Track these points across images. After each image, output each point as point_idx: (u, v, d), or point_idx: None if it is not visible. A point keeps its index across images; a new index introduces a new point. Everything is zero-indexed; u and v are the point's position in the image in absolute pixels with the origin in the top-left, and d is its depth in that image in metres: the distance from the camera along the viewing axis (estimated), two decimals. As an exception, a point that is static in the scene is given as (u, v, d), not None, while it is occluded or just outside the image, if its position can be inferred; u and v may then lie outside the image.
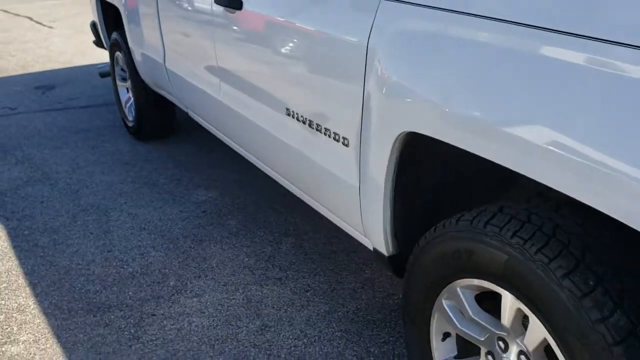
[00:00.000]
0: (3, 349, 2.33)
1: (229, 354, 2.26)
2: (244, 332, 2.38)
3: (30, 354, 2.30)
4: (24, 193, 3.71)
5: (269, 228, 3.15)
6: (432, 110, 1.54)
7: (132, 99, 4.40)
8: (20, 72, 7.20)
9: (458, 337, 1.71)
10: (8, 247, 3.08)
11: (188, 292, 2.65)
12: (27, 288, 2.72)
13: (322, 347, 2.27)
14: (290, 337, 2.34)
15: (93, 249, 3.03)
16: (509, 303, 1.45)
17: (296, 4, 2.12)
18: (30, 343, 2.36)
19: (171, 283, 2.72)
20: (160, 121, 4.29)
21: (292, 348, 2.28)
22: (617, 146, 1.11)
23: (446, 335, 1.73)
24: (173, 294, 2.64)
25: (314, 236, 3.04)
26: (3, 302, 2.63)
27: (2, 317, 2.53)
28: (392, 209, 1.82)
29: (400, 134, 1.65)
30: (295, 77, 2.16)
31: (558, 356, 1.34)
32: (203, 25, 2.80)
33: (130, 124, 4.54)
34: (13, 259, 2.97)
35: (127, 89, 4.54)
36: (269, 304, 2.54)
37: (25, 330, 2.43)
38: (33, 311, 2.56)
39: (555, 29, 1.25)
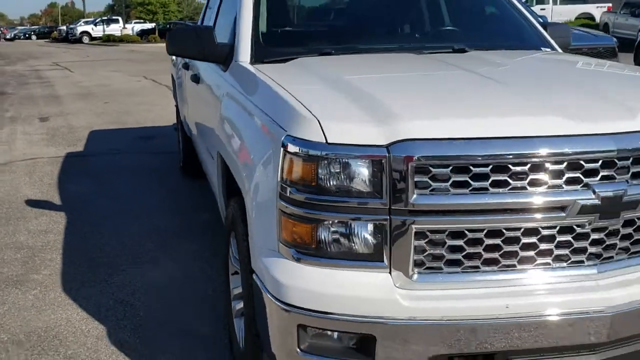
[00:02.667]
0: (30, 275, 3.83)
1: (156, 291, 3.57)
2: (173, 284, 3.68)
3: (44, 280, 3.77)
4: (91, 202, 5.35)
5: (229, 235, 4.45)
6: (220, 138, 2.84)
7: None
8: (135, 125, 9.26)
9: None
10: (62, 228, 4.67)
11: (152, 263, 4.01)
12: (60, 250, 4.24)
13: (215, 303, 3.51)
14: (200, 290, 3.60)
15: (111, 236, 4.52)
16: (233, 239, 2.65)
17: (212, 81, 3.52)
18: (46, 275, 3.84)
19: (146, 258, 4.10)
20: (196, 162, 5.81)
21: (195, 296, 3.53)
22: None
23: (236, 272, 2.93)
24: (143, 263, 4.01)
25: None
26: (42, 254, 4.17)
27: (39, 261, 4.06)
28: (225, 199, 3.08)
29: (217, 151, 2.95)
30: (205, 120, 3.53)
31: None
32: (190, 92, 4.29)
33: (181, 164, 6.13)
34: (61, 234, 4.53)
35: (184, 138, 6.14)
36: (197, 275, 3.82)
37: (47, 269, 3.92)
38: (57, 261, 4.05)
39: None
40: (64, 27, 56.51)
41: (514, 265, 1.94)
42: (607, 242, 1.98)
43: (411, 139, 1.83)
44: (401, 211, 1.85)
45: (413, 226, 1.86)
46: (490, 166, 1.84)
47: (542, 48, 3.33)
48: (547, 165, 1.86)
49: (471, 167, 1.84)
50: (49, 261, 4.06)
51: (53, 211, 5.10)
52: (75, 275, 3.84)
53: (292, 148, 1.93)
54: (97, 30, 48.64)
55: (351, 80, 2.34)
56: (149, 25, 48.74)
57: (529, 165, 1.85)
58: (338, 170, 1.87)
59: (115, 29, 47.49)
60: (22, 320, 3.27)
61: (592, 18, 28.06)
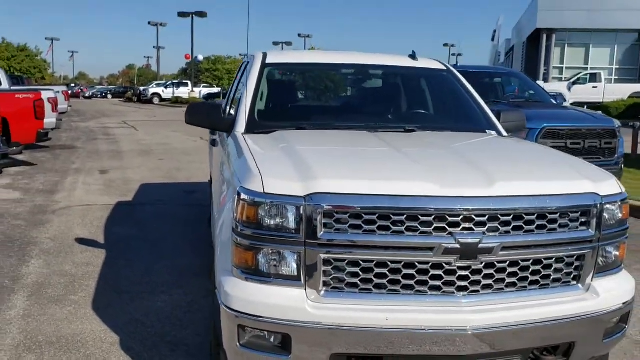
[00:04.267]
0: (68, 296, 4.69)
1: (165, 314, 4.35)
2: (181, 310, 4.46)
3: (79, 300, 4.62)
4: (129, 243, 6.26)
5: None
6: (215, 190, 3.65)
7: (211, 199, 6.88)
8: (183, 181, 10.30)
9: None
10: (101, 262, 5.56)
11: (167, 294, 4.80)
12: (96, 278, 5.11)
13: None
14: (201, 315, 4.36)
15: (140, 270, 5.36)
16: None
17: (220, 145, 4.38)
18: (81, 297, 4.68)
19: (163, 289, 4.91)
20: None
21: (196, 319, 4.29)
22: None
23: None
24: (160, 293, 4.80)
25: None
26: (81, 281, 5.04)
27: (77, 286, 4.92)
28: (220, 239, 3.87)
29: (212, 201, 3.76)
30: (214, 176, 4.37)
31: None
32: (211, 153, 5.18)
33: (209, 216, 7.00)
34: (99, 267, 5.42)
35: (214, 193, 7.06)
36: (203, 304, 4.59)
37: (83, 292, 4.78)
38: (92, 287, 4.91)
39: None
40: (137, 88, 60.32)
41: (398, 290, 2.63)
42: (472, 279, 2.65)
43: (321, 193, 2.59)
44: (313, 244, 2.59)
45: (321, 256, 2.59)
46: (377, 214, 2.57)
47: (487, 131, 4.04)
48: (420, 217, 2.57)
49: (363, 215, 2.57)
50: (85, 286, 4.93)
51: (96, 248, 6.02)
52: (104, 298, 4.68)
53: (243, 196, 2.72)
54: (167, 93, 51.73)
55: (301, 149, 3.12)
56: (215, 90, 51.49)
57: (405, 216, 2.57)
58: (271, 213, 2.64)
59: (183, 92, 50.44)
60: (56, 328, 4.10)
61: (644, 97, 28.20)
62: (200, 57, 57.30)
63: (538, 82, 32.29)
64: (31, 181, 10.05)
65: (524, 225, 2.67)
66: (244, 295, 2.68)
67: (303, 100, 4.71)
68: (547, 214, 2.70)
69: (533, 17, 38.06)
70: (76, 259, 5.67)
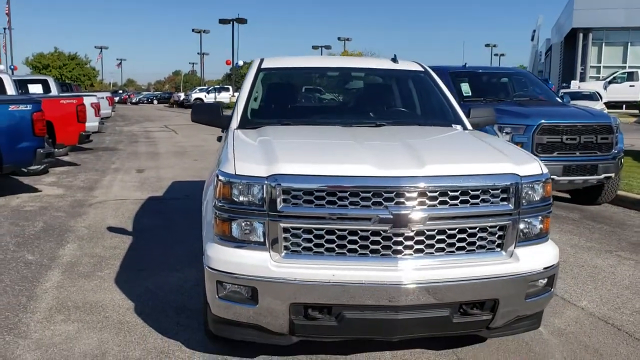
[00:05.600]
0: (95, 272, 5.43)
1: (175, 287, 5.03)
2: (190, 284, 5.14)
3: (104, 276, 5.34)
4: (154, 231, 6.99)
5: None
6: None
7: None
8: (210, 179, 11.02)
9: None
10: (127, 246, 6.29)
11: (181, 272, 5.49)
12: (121, 259, 5.83)
13: (211, 294, 4.92)
14: (203, 289, 5.02)
15: (160, 253, 6.07)
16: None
17: (222, 140, 5.03)
18: (106, 273, 5.40)
19: (177, 268, 5.60)
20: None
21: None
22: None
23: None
24: (174, 271, 5.49)
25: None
26: (108, 261, 5.77)
27: (104, 265, 5.65)
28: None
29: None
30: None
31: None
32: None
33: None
34: (125, 250, 6.15)
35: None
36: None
37: (108, 270, 5.50)
38: (116, 266, 5.63)
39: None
40: (181, 94, 62.12)
41: (345, 253, 3.22)
42: (406, 244, 3.21)
43: (279, 174, 3.20)
44: (274, 215, 3.20)
45: (280, 224, 3.20)
46: (325, 191, 3.16)
47: (453, 125, 4.58)
48: (360, 193, 3.16)
49: (314, 191, 3.17)
50: (111, 265, 5.66)
51: (125, 235, 6.77)
52: (125, 274, 5.39)
53: (220, 177, 3.35)
54: (210, 97, 53.06)
55: (275, 140, 3.74)
56: (255, 94, 52.38)
57: (348, 192, 3.16)
58: (241, 190, 3.27)
59: (225, 97, 51.72)
60: (83, 296, 4.83)
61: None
62: (240, 63, 58.62)
63: (573, 81, 32.18)
64: (74, 179, 10.97)
65: (449, 200, 3.22)
66: (222, 257, 3.31)
67: (292, 99, 5.32)
68: (469, 191, 3.24)
69: (569, 17, 37.80)
70: (106, 243, 6.42)
